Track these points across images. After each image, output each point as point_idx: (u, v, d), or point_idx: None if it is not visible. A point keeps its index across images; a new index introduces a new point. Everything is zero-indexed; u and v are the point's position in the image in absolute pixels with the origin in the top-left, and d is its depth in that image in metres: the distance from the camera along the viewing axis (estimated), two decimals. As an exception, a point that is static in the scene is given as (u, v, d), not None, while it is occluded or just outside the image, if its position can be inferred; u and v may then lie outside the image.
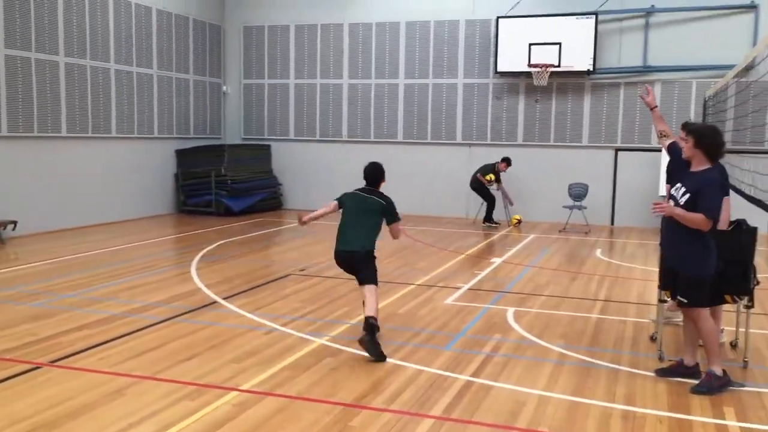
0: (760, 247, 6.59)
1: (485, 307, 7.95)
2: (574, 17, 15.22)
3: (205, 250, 11.47)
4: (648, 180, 14.97)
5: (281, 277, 9.49)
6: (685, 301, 5.49)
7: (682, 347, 5.92)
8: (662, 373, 5.70)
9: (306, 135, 17.89)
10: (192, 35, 17.05)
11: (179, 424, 4.59)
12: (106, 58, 14.44)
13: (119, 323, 7.01)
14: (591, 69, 15.21)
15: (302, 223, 6.72)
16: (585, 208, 14.79)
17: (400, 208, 6.75)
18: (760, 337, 6.86)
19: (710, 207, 5.25)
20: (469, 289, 8.98)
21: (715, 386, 5.33)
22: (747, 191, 8.08)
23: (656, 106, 6.56)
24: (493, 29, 16.00)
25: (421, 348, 6.39)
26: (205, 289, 8.60)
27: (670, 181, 6.05)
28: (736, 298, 5.94)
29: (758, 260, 7.42)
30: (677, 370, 5.67)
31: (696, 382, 5.44)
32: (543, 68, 15.29)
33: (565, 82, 15.80)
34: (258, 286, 8.84)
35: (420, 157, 16.86)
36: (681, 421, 4.84)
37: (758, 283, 6.08)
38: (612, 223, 15.80)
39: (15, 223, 12.14)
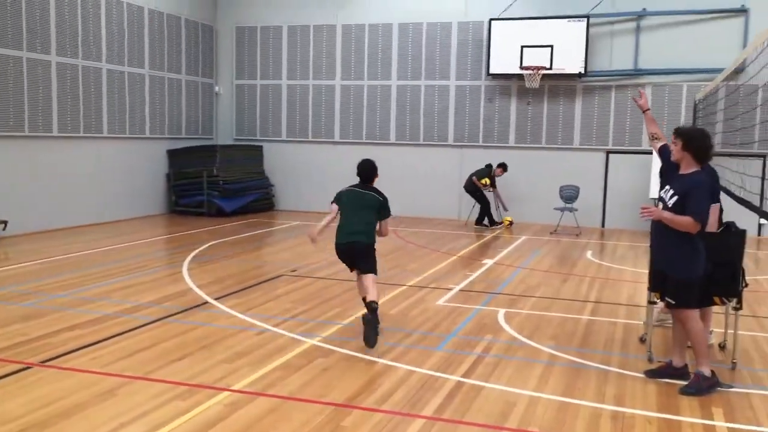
0: (748, 250, 6.65)
1: (477, 309, 7.98)
2: (566, 20, 15.29)
3: (196, 251, 11.46)
4: (639, 182, 15.05)
5: (273, 278, 9.50)
6: (674, 302, 5.54)
7: (671, 349, 5.97)
8: (651, 374, 5.74)
9: (298, 136, 17.90)
10: (184, 35, 17.03)
11: (171, 424, 4.60)
12: (98, 57, 14.41)
13: (111, 323, 7.00)
14: (582, 72, 15.29)
15: (315, 241, 6.88)
16: (576, 210, 14.86)
17: (392, 210, 6.94)
18: (749, 338, 6.92)
19: (698, 210, 5.30)
20: (461, 290, 9.01)
21: (703, 387, 5.38)
22: (737, 192, 8.15)
23: (648, 109, 6.61)
24: (485, 31, 16.06)
25: (413, 349, 6.42)
26: (196, 290, 8.60)
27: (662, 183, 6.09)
28: (725, 300, 6.00)
29: (747, 262, 7.49)
30: (666, 371, 5.72)
31: (685, 383, 5.48)
32: (535, 71, 15.35)
33: (557, 84, 15.87)
34: (250, 287, 8.85)
35: (412, 159, 16.89)
36: (670, 422, 4.88)
37: (747, 285, 6.13)
38: (603, 226, 15.88)
39: (5, 222, 12.10)
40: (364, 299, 6.61)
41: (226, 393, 5.18)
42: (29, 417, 4.69)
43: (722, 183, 7.77)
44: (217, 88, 18.36)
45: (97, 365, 5.73)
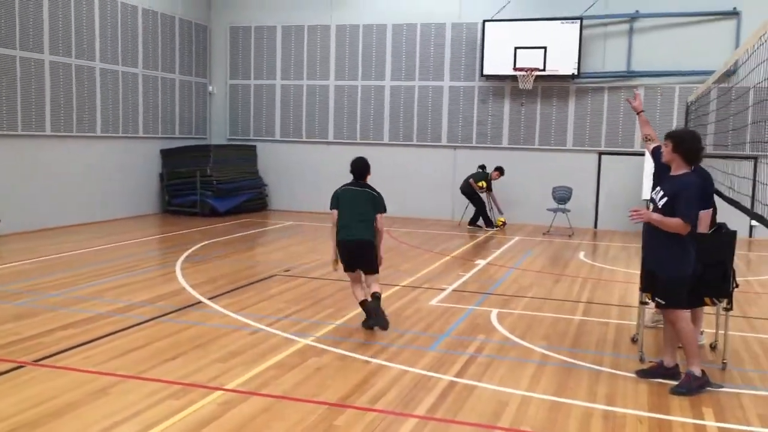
0: (739, 251, 6.70)
1: (469, 309, 8.01)
2: (560, 22, 15.35)
3: (190, 251, 11.45)
4: (631, 184, 15.12)
5: (266, 278, 9.50)
6: (663, 302, 5.59)
7: (662, 349, 6.01)
8: (643, 374, 5.78)
9: (292, 136, 17.90)
10: (178, 35, 17.01)
11: (164, 423, 4.60)
12: (91, 57, 14.38)
13: (104, 323, 7.00)
14: (576, 73, 15.35)
15: (336, 265, 7.18)
16: (569, 211, 14.91)
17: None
18: (739, 339, 6.96)
19: (687, 211, 5.34)
20: (454, 290, 9.04)
21: (694, 387, 5.42)
22: (727, 194, 8.20)
23: (642, 111, 6.66)
24: (479, 33, 16.10)
25: (406, 348, 6.44)
26: (189, 289, 8.60)
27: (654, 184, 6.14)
28: (716, 301, 6.04)
29: (737, 263, 7.55)
30: (657, 371, 5.76)
31: (676, 383, 5.52)
32: (528, 72, 15.41)
33: (550, 85, 15.93)
34: (243, 287, 8.85)
35: (405, 159, 16.92)
36: (661, 421, 4.91)
37: (737, 286, 6.18)
38: (595, 226, 15.94)
39: (-2, 221, 12.07)
40: (361, 303, 6.95)
41: (219, 392, 5.19)
42: (21, 416, 4.69)
43: (715, 185, 7.81)
44: (210, 88, 18.35)
45: (90, 364, 5.73)
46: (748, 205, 7.47)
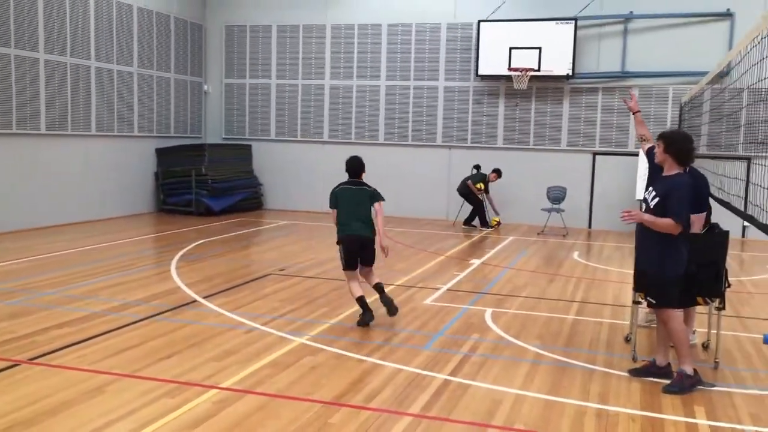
0: (733, 251, 6.75)
1: (464, 308, 8.04)
2: (554, 22, 15.39)
3: (185, 249, 11.45)
4: (625, 184, 15.17)
5: (261, 277, 9.51)
6: (655, 302, 5.62)
7: (655, 348, 6.05)
8: (635, 373, 5.82)
9: (287, 135, 17.90)
10: (173, 34, 16.99)
11: (159, 422, 4.61)
12: (86, 55, 14.36)
13: (99, 321, 7.01)
14: (570, 73, 15.39)
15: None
16: (563, 211, 14.96)
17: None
18: (731, 338, 7.01)
19: (678, 211, 5.38)
20: (449, 289, 9.06)
21: (686, 385, 5.45)
22: (717, 194, 8.24)
23: (638, 111, 6.70)
24: (474, 33, 16.13)
25: (400, 347, 6.46)
26: (185, 288, 8.61)
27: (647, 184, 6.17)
28: (708, 300, 6.08)
29: (730, 263, 7.59)
30: (650, 370, 5.79)
31: (668, 381, 5.56)
32: (523, 72, 15.45)
33: (545, 86, 15.97)
34: (238, 286, 8.86)
35: (400, 159, 16.94)
36: (653, 420, 4.95)
37: (729, 285, 6.21)
38: (589, 226, 15.99)
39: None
40: (358, 299, 7.13)
41: (214, 390, 5.20)
42: (16, 414, 4.70)
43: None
44: (206, 87, 18.34)
45: (85, 363, 5.74)
46: (738, 205, 7.52)
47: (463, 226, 15.37)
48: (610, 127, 15.68)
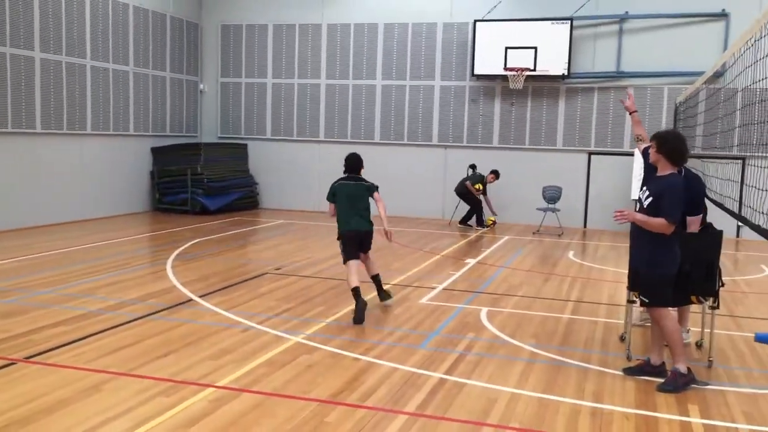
0: (727, 251, 6.79)
1: (459, 307, 8.07)
2: (550, 22, 15.43)
3: (180, 249, 11.45)
4: (620, 183, 15.22)
5: (257, 276, 9.52)
6: (647, 301, 5.66)
7: (649, 347, 6.08)
8: (630, 371, 5.85)
9: (283, 134, 17.90)
10: (169, 32, 16.98)
11: (155, 420, 4.63)
12: (82, 54, 14.34)
13: (95, 320, 7.01)
14: (566, 73, 15.43)
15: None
16: (558, 210, 15.00)
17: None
18: (725, 337, 7.05)
19: (671, 211, 5.41)
20: (444, 289, 9.09)
21: (680, 384, 5.49)
22: (710, 195, 8.28)
23: (635, 111, 6.73)
24: (470, 32, 16.16)
25: (396, 346, 6.48)
26: (180, 287, 8.61)
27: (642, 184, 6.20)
28: (702, 299, 6.11)
29: (724, 262, 7.63)
30: (644, 368, 5.82)
31: (662, 380, 5.59)
32: (519, 72, 15.48)
33: (541, 85, 16.01)
34: (234, 285, 8.87)
35: (396, 158, 16.96)
36: (647, 418, 4.98)
37: (723, 284, 6.24)
38: (585, 226, 16.04)
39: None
40: (354, 290, 7.33)
41: (210, 389, 5.22)
42: (13, 413, 4.70)
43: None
44: (201, 86, 18.33)
45: (82, 362, 5.75)
46: (732, 207, 7.55)
47: (459, 226, 15.40)
48: (606, 127, 15.73)
